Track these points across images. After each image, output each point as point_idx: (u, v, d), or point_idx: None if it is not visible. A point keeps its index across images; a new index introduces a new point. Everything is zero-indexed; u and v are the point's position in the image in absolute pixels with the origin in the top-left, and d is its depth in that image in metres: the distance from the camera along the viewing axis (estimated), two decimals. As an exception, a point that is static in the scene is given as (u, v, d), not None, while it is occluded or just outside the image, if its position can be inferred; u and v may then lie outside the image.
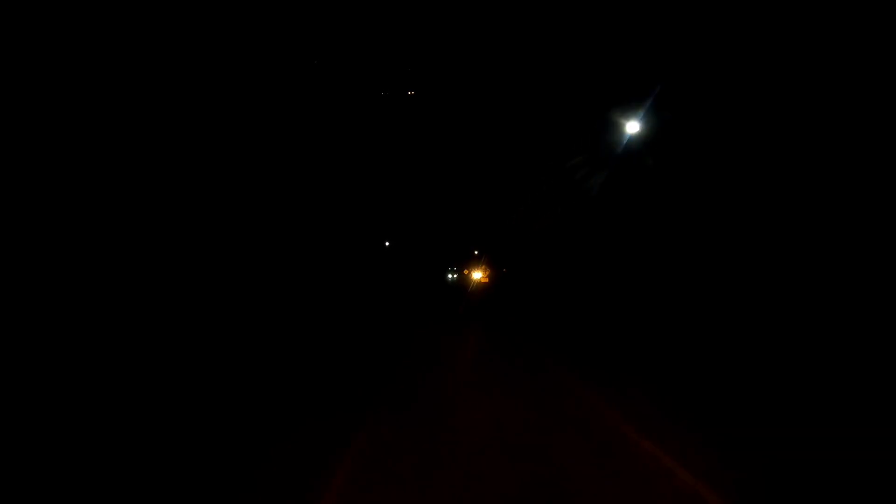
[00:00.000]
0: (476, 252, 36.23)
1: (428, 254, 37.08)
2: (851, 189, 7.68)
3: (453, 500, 3.60)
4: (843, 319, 7.12)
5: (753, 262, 9.19)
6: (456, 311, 20.39)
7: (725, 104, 9.88)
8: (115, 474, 4.07)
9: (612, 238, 15.42)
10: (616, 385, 6.84)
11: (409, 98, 26.22)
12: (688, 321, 10.09)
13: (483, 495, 3.65)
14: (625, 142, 12.69)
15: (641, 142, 12.25)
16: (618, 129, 13.02)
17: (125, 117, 9.46)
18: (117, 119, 9.30)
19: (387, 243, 32.31)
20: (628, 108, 12.17)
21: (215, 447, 4.72)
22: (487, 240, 34.26)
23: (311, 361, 9.26)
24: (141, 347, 8.10)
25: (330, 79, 20.30)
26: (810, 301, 7.76)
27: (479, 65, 24.36)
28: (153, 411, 5.75)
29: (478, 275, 34.17)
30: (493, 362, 9.45)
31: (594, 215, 17.01)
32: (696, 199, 10.93)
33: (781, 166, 8.72)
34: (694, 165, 10.93)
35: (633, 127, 11.99)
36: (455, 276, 39.80)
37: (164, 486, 3.91)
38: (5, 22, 7.49)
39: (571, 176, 18.33)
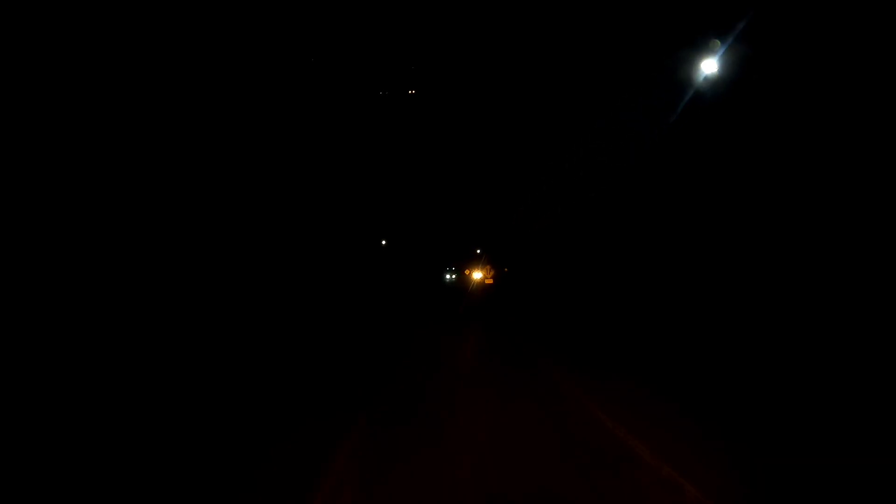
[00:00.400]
0: (478, 251, 36.10)
1: (427, 253, 36.89)
2: None
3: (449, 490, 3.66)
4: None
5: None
6: (455, 311, 20.38)
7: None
8: (116, 474, 4.07)
9: (621, 235, 15.23)
10: (626, 396, 6.33)
11: (411, 96, 26.22)
12: (703, 323, 9.70)
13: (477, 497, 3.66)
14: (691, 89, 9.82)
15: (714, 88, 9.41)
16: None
17: (122, 116, 9.44)
18: (115, 118, 9.29)
19: (383, 242, 32.03)
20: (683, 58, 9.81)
21: (216, 447, 4.72)
22: (488, 239, 34.20)
23: (312, 362, 9.25)
24: (142, 348, 8.10)
25: (328, 75, 20.28)
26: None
27: (482, 56, 24.32)
28: (155, 411, 5.75)
29: (478, 275, 33.87)
30: (492, 362, 9.42)
31: (598, 212, 16.96)
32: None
33: None
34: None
35: (709, 67, 9.01)
36: (453, 276, 39.31)
37: (166, 485, 3.91)
38: (6, 22, 7.49)
39: (578, 168, 18.09)
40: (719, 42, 8.93)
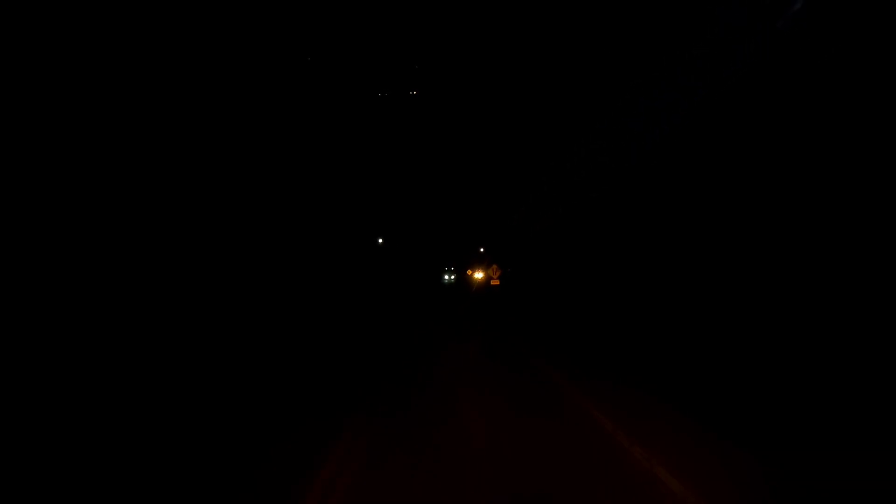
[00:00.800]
0: (482, 250, 36.00)
1: (427, 253, 36.61)
2: None
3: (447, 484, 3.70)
4: None
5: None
6: (455, 312, 20.38)
7: None
8: (117, 474, 4.11)
9: (621, 235, 15.12)
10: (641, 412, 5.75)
11: (412, 94, 26.14)
12: (702, 325, 9.50)
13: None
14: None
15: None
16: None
17: (118, 115, 9.45)
18: (112, 118, 9.31)
19: (380, 240, 31.54)
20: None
21: (216, 447, 4.75)
22: (491, 239, 34.14)
23: (310, 363, 9.26)
24: (143, 350, 8.14)
25: (327, 72, 20.23)
26: None
27: (484, 55, 24.20)
28: (156, 412, 5.79)
29: (480, 275, 33.68)
30: (494, 364, 9.37)
31: (599, 213, 16.91)
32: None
33: None
34: None
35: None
36: (453, 277, 38.86)
37: (166, 485, 3.95)
38: (6, 22, 7.53)
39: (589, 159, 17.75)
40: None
